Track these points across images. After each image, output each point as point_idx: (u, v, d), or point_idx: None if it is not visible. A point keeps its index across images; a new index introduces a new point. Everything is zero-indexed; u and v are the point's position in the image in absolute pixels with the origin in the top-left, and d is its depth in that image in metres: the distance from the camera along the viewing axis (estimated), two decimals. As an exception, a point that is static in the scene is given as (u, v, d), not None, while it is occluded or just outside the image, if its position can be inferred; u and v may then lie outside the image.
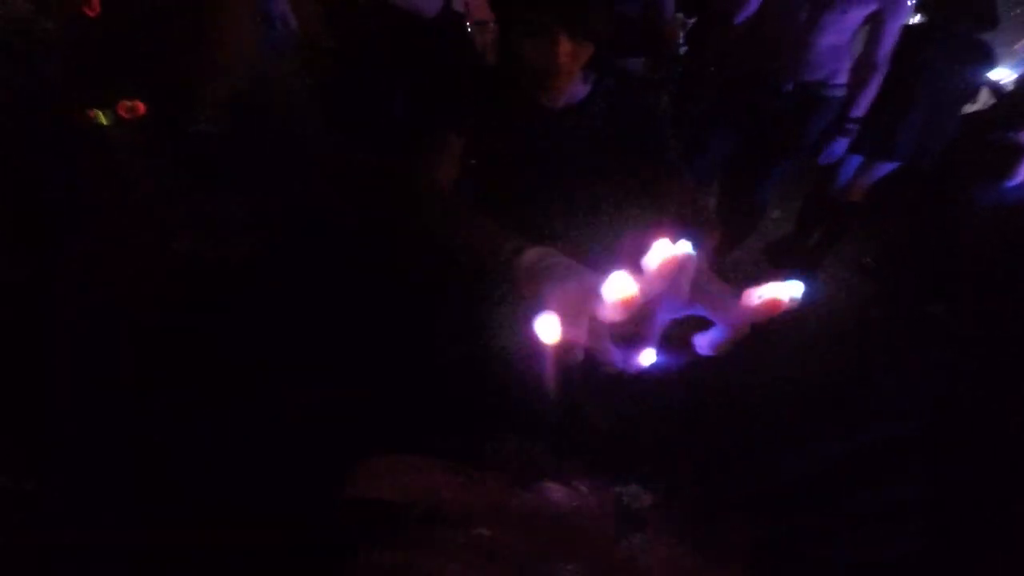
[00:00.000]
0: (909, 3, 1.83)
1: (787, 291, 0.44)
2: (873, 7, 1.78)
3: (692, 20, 2.44)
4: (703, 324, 0.50)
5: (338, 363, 1.17)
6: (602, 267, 0.48)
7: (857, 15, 1.79)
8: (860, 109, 1.95)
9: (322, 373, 1.16)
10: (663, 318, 0.49)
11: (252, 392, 1.06)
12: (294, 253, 1.41)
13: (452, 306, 1.07)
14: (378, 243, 1.21)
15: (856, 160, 2.37)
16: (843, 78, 1.93)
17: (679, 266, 0.44)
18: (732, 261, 2.64)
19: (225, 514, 0.77)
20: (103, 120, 0.92)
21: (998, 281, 2.63)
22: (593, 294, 0.45)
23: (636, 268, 0.45)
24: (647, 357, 0.50)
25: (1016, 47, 2.28)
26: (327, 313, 1.34)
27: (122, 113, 0.92)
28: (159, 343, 1.15)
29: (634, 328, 0.49)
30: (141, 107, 0.93)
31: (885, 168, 2.38)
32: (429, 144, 1.01)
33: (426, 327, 1.09)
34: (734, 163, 2.22)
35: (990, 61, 2.18)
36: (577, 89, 1.00)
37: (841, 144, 2.03)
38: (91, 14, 0.93)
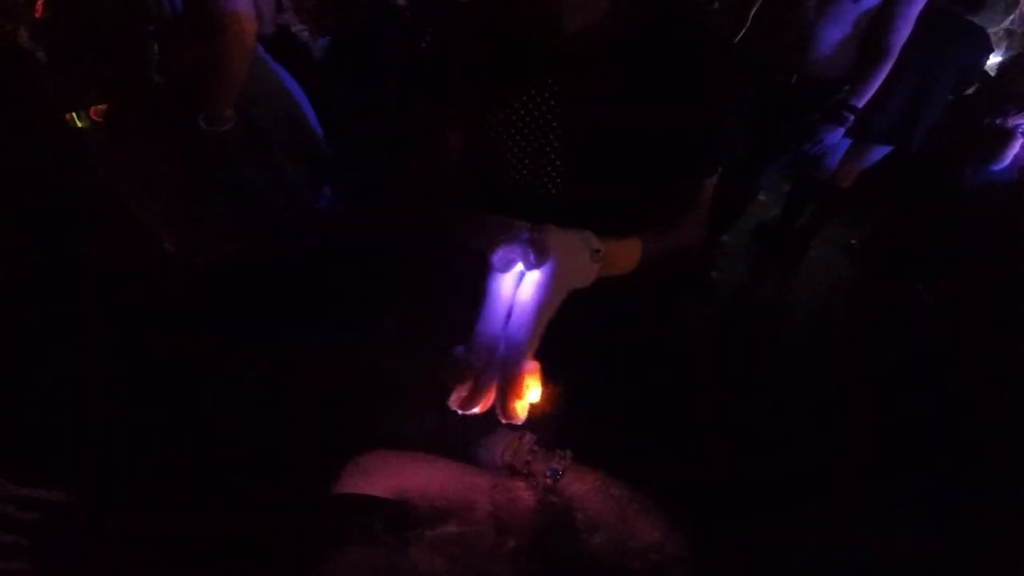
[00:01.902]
0: None
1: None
2: None
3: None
4: None
5: (327, 356, 1.19)
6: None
7: (870, 2, 1.67)
8: (861, 99, 1.82)
9: (312, 366, 1.18)
10: None
11: (245, 387, 1.09)
12: (284, 252, 1.42)
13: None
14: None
15: (844, 145, 2.36)
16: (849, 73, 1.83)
17: None
18: (721, 244, 2.67)
19: (214, 507, 0.79)
20: (78, 123, 0.92)
21: (984, 262, 2.66)
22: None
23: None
24: None
25: (997, 30, 2.24)
26: (317, 310, 1.36)
27: (92, 116, 0.92)
28: (153, 342, 1.16)
29: None
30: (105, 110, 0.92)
31: (876, 154, 2.35)
32: (428, 128, 0.88)
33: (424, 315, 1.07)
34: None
35: (981, 45, 2.11)
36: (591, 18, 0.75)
37: (836, 133, 1.93)
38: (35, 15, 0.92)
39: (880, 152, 2.35)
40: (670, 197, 0.85)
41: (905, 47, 1.80)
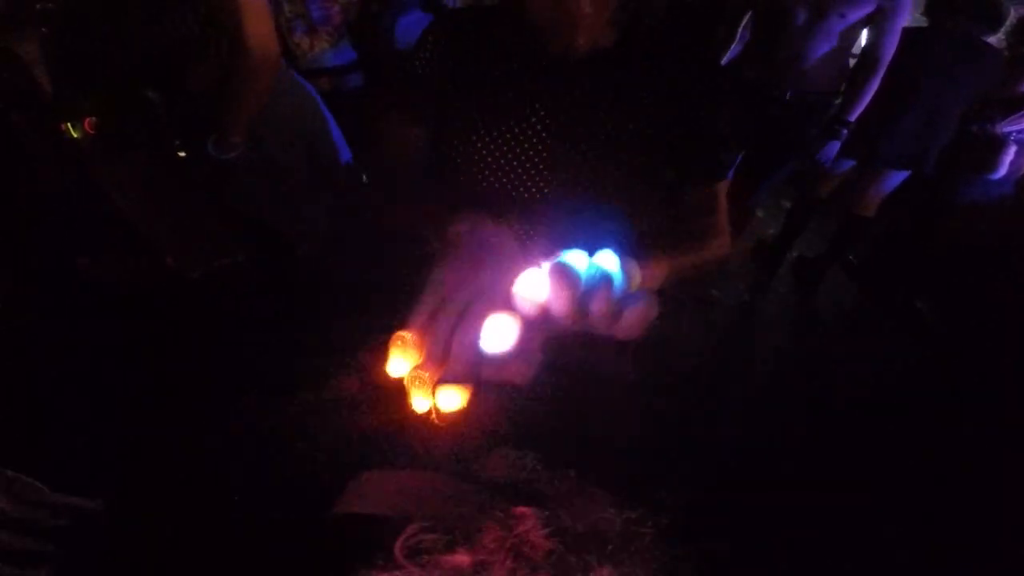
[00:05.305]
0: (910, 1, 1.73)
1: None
2: (871, 7, 1.72)
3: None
4: None
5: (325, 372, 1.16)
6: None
7: (856, 17, 1.74)
8: (854, 112, 1.87)
9: (308, 382, 1.15)
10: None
11: (240, 402, 1.06)
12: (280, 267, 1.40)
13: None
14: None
15: (846, 164, 2.35)
16: (840, 85, 1.88)
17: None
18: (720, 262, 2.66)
19: (216, 525, 0.76)
20: (73, 133, 0.90)
21: (984, 277, 2.66)
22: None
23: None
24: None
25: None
26: (311, 325, 1.33)
27: (87, 128, 0.89)
28: (150, 356, 1.14)
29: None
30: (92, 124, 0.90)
31: (894, 179, 2.32)
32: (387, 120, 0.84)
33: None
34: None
35: (995, 65, 2.08)
36: (600, 33, 0.73)
37: (833, 147, 1.96)
38: None
39: (898, 177, 2.32)
40: (681, 210, 0.86)
41: (918, 70, 1.89)
